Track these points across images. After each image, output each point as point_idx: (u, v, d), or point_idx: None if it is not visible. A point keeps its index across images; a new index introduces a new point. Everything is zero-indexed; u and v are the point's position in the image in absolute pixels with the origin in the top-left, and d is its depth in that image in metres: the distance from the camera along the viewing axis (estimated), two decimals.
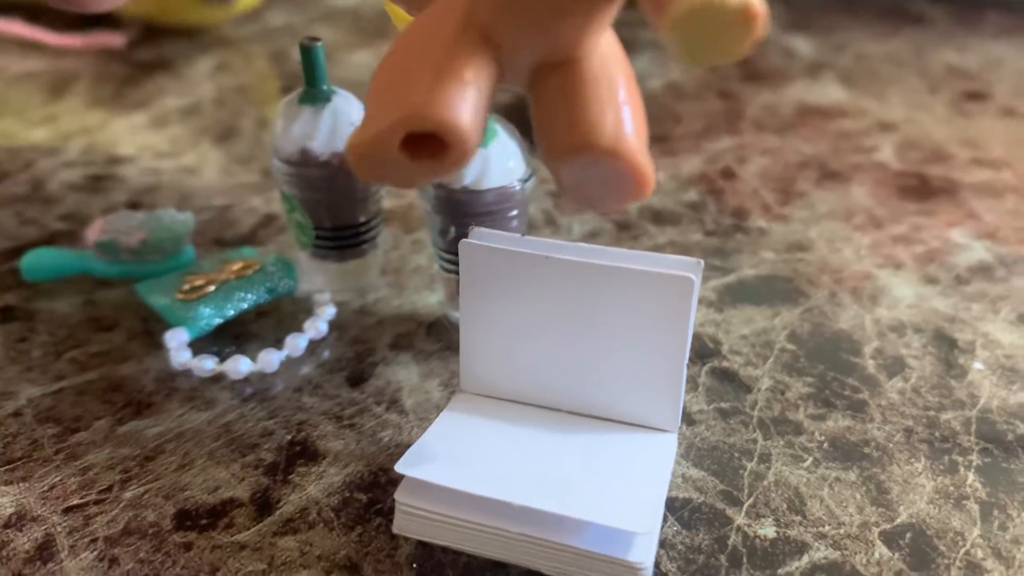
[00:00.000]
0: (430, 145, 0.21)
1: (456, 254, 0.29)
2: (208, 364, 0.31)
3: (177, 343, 0.31)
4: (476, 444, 0.26)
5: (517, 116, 0.50)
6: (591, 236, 0.40)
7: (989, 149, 0.47)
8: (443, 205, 0.30)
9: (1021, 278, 0.37)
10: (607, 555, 0.23)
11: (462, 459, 0.25)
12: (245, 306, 0.32)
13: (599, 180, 0.22)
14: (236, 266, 0.34)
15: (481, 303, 0.27)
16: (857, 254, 0.38)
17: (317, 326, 0.32)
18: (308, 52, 0.31)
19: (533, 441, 0.26)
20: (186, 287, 0.33)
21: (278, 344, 0.32)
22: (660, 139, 0.48)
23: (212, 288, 0.32)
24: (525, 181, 0.31)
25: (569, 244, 0.26)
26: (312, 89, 0.32)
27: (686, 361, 0.26)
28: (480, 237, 0.27)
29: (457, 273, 0.29)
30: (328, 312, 0.33)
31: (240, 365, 0.31)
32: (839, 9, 0.67)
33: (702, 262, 0.25)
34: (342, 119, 0.31)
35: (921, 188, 0.43)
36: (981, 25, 0.64)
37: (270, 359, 0.31)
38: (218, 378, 0.31)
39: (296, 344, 0.31)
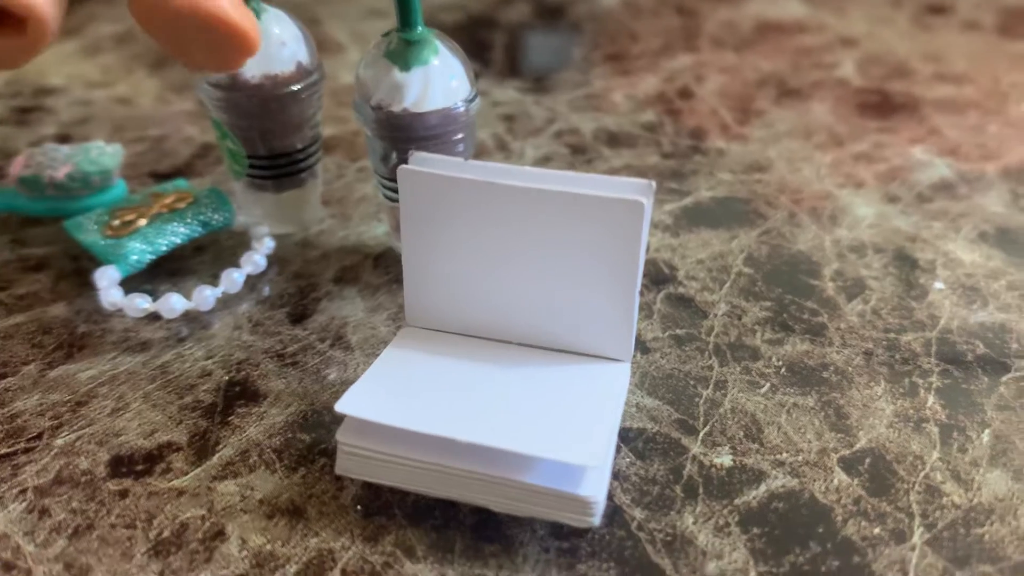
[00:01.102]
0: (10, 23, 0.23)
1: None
2: (141, 303, 0.29)
3: (107, 282, 0.30)
4: (421, 380, 0.24)
5: (466, 36, 0.48)
6: (543, 161, 0.38)
7: (951, 64, 0.46)
8: (383, 129, 0.29)
9: (983, 195, 0.36)
10: (557, 490, 0.22)
11: (406, 396, 0.24)
12: (178, 241, 0.31)
13: (194, 39, 0.25)
14: (168, 199, 0.32)
15: (423, 232, 0.25)
16: (817, 174, 0.37)
17: (255, 260, 0.31)
18: None
19: (480, 375, 0.25)
20: (116, 223, 0.31)
21: (214, 280, 0.31)
22: (616, 58, 0.47)
23: (143, 223, 0.31)
24: (470, 102, 0.29)
25: (515, 168, 0.25)
26: None
27: (639, 288, 0.25)
28: (420, 162, 0.25)
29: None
30: (267, 245, 0.31)
31: (174, 303, 0.29)
32: None
33: (653, 184, 0.24)
34: (272, 39, 0.30)
35: (883, 104, 0.42)
36: None
37: (205, 296, 0.29)
38: (153, 317, 0.30)
39: (233, 279, 0.30)
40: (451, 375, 0.25)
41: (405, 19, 0.28)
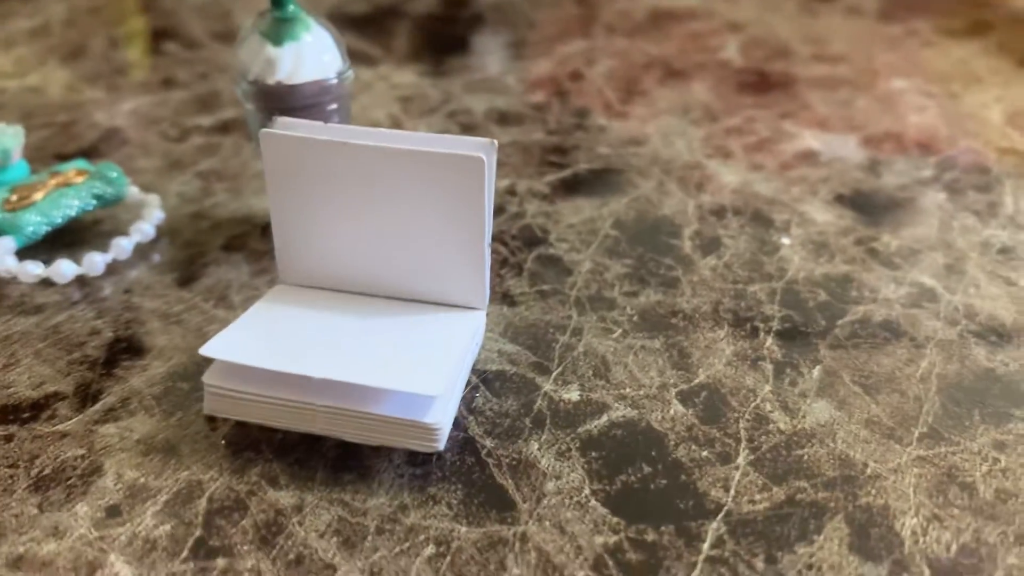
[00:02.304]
0: None
1: None
2: (33, 269, 0.31)
3: (2, 251, 0.31)
4: (285, 328, 0.26)
5: (373, 24, 0.50)
6: None
7: (830, 46, 0.49)
8: (260, 101, 0.31)
9: (842, 162, 0.39)
10: (404, 418, 0.24)
11: (269, 341, 0.26)
12: (72, 213, 0.33)
13: None
14: (65, 176, 0.33)
15: (287, 193, 0.27)
16: (689, 146, 0.40)
17: (143, 229, 0.32)
18: None
19: (342, 323, 0.27)
20: (14, 197, 0.32)
21: (107, 249, 0.32)
22: (513, 45, 0.49)
23: (39, 197, 0.32)
24: (342, 74, 0.31)
25: (369, 130, 0.27)
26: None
27: (488, 239, 0.27)
28: (282, 127, 0.27)
29: None
30: (156, 216, 0.33)
31: (64, 269, 0.31)
32: None
33: (495, 142, 0.26)
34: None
35: (760, 83, 0.45)
36: None
37: (95, 262, 0.31)
38: (47, 284, 0.32)
39: (121, 247, 0.32)
40: (314, 323, 0.27)
41: None
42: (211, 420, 0.26)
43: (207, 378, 0.25)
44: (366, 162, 0.26)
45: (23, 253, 0.32)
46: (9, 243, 0.31)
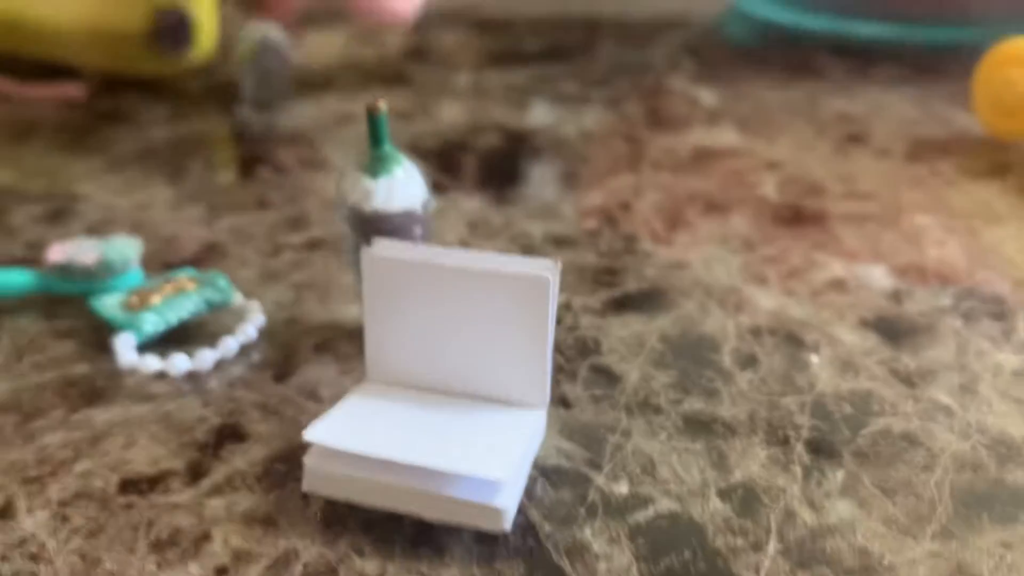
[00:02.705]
0: None
1: None
2: (151, 362, 0.35)
3: (125, 345, 0.36)
4: (374, 417, 0.30)
5: (442, 157, 0.56)
6: None
7: (860, 184, 0.53)
8: (358, 225, 0.36)
9: (868, 290, 0.43)
10: (475, 501, 0.28)
11: (361, 429, 0.30)
12: (185, 315, 0.37)
13: None
14: (178, 282, 0.38)
15: (380, 305, 0.32)
16: (728, 272, 0.44)
17: (247, 331, 0.37)
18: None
19: (422, 416, 0.31)
20: (134, 299, 0.37)
21: (214, 346, 0.37)
22: (568, 176, 0.54)
23: (157, 300, 0.37)
24: (426, 204, 0.36)
25: (451, 251, 0.32)
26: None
27: (550, 347, 0.31)
28: (379, 248, 0.32)
29: None
30: (257, 319, 0.38)
31: (178, 363, 0.35)
32: (747, 63, 0.74)
33: (559, 263, 0.31)
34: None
35: (794, 218, 0.49)
36: (873, 75, 0.71)
37: (205, 357, 0.36)
38: (161, 376, 0.36)
39: (228, 346, 0.36)
40: (398, 414, 0.31)
41: (375, 140, 0.35)
42: (305, 498, 0.30)
43: (308, 459, 0.29)
44: (447, 279, 0.31)
45: (141, 348, 0.37)
46: (130, 339, 0.36)
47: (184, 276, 0.39)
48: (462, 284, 0.31)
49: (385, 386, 0.32)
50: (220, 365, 0.37)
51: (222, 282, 0.39)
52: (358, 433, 0.29)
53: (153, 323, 0.37)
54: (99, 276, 0.40)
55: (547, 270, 0.30)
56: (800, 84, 0.69)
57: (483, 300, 0.31)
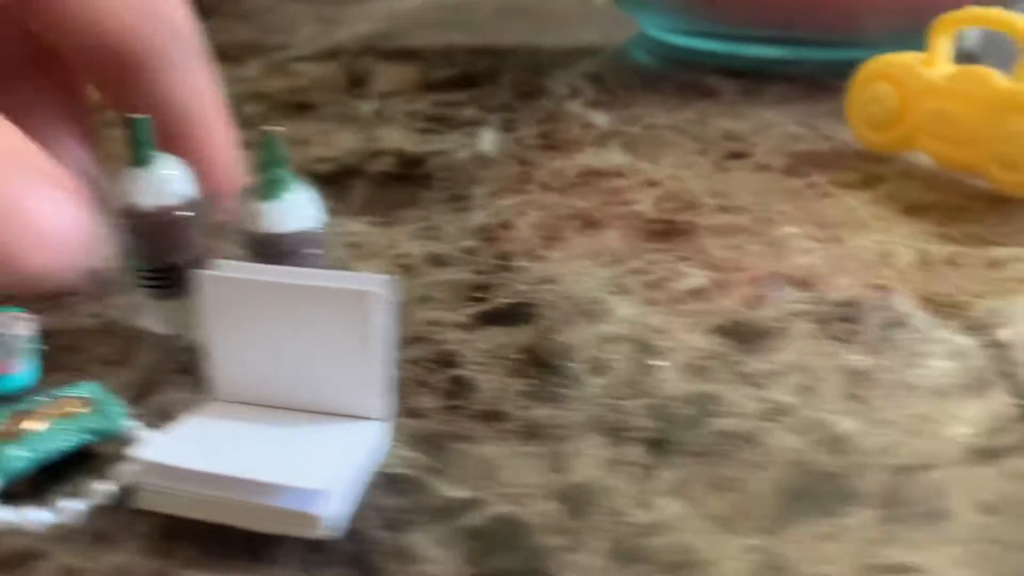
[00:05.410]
0: None
1: None
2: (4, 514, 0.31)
3: None
4: (209, 434, 0.31)
5: (334, 181, 0.57)
6: None
7: (735, 198, 0.55)
8: (250, 248, 0.36)
9: (727, 298, 0.44)
10: (297, 510, 0.29)
11: (194, 445, 0.31)
12: (63, 449, 0.33)
13: None
14: (65, 404, 0.34)
15: (220, 324, 0.32)
16: (595, 285, 0.45)
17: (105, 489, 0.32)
18: None
19: (258, 431, 0.32)
20: (8, 424, 0.33)
21: (79, 494, 0.32)
22: (456, 198, 0.55)
23: (36, 427, 0.33)
24: (317, 227, 0.37)
25: (292, 270, 0.33)
26: None
27: (387, 359, 0.32)
28: (217, 268, 0.33)
29: None
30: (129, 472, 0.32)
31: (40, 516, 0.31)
32: (644, 87, 0.76)
33: (394, 279, 0.32)
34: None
35: (666, 231, 0.51)
36: (763, 96, 0.73)
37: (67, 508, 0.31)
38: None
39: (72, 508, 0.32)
40: (234, 430, 0.32)
41: (268, 163, 0.36)
42: (139, 513, 0.31)
43: (140, 476, 0.30)
44: (283, 297, 0.32)
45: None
46: None
47: (75, 395, 0.35)
48: (296, 301, 0.32)
49: (227, 404, 0.33)
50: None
51: (115, 408, 0.35)
52: (189, 449, 0.30)
53: (18, 461, 0.32)
54: None
55: (379, 285, 0.31)
56: (692, 105, 0.71)
57: (317, 316, 0.32)
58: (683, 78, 0.77)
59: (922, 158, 0.58)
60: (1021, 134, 0.51)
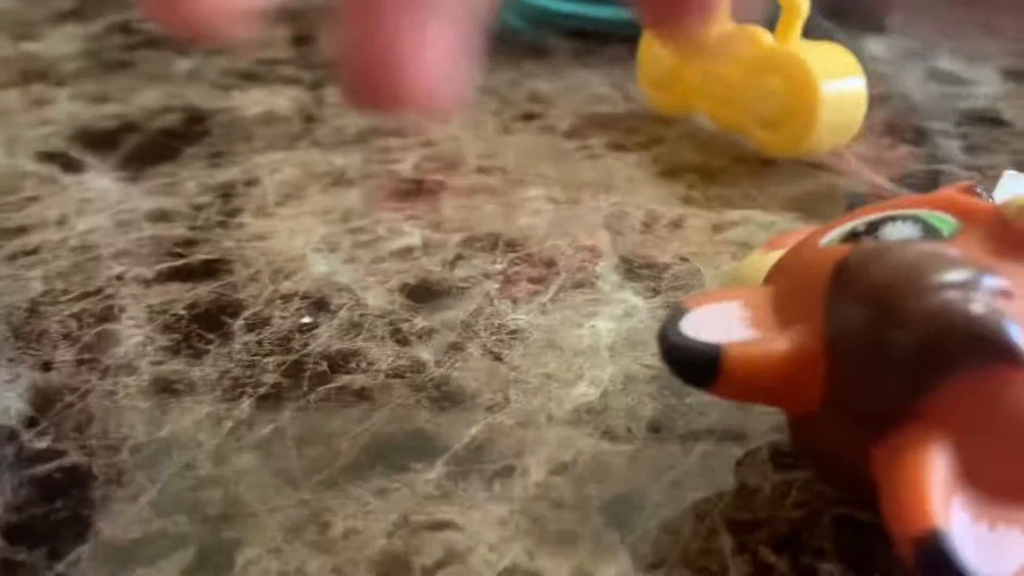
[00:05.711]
0: None
1: None
2: None
3: None
4: None
5: (98, 140, 0.56)
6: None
7: (500, 159, 0.54)
8: None
9: (431, 257, 0.44)
10: None
11: None
12: None
13: None
14: None
15: None
16: (305, 242, 0.45)
17: None
18: None
19: None
20: None
21: None
22: (218, 155, 0.55)
23: None
24: None
25: None
26: None
27: None
28: None
29: None
30: None
31: None
32: (487, 49, 0.75)
33: None
34: None
35: (411, 191, 0.50)
36: (594, 57, 0.72)
37: None
38: None
39: None
40: None
41: None
42: None
43: None
44: None
45: None
46: None
47: None
48: None
49: None
50: None
51: None
52: None
53: None
54: None
55: None
56: (519, 67, 0.70)
57: None
58: (528, 40, 0.76)
59: (707, 120, 0.57)
60: (777, 94, 0.51)
